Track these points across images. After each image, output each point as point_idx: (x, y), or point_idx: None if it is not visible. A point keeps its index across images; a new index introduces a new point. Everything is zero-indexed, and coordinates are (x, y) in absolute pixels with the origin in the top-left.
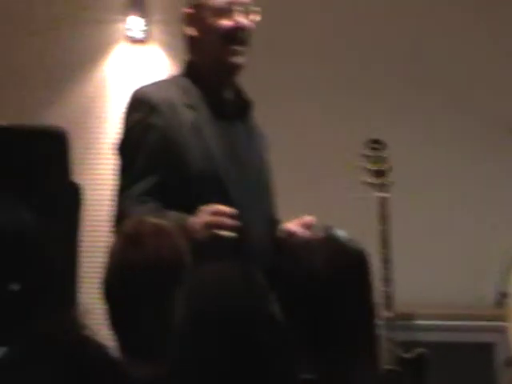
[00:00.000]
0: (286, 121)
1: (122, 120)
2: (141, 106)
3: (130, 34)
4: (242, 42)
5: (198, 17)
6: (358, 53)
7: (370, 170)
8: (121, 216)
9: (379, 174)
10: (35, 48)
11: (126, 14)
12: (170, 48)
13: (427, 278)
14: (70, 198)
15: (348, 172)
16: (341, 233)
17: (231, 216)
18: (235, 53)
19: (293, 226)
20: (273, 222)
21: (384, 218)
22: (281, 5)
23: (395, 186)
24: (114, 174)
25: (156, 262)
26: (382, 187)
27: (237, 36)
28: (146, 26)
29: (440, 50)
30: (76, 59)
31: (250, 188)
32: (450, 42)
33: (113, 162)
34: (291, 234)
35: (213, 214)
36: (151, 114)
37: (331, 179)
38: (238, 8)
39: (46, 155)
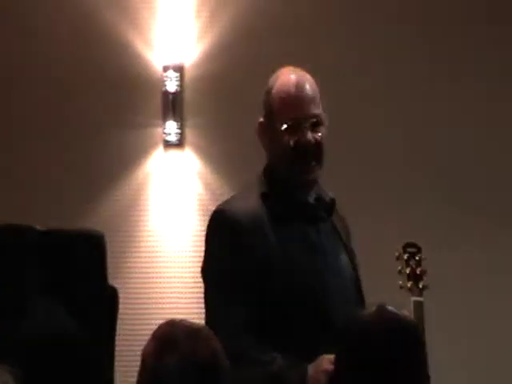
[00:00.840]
0: None
1: (206, 240)
2: (227, 229)
3: (166, 138)
4: (311, 157)
5: (269, 128)
6: (393, 159)
7: (405, 274)
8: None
9: (415, 277)
10: (76, 152)
11: (163, 119)
12: (204, 152)
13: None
14: (106, 302)
15: (385, 276)
16: (393, 308)
17: None
18: (303, 170)
19: None
20: None
21: (420, 321)
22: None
23: (431, 290)
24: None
25: (190, 366)
26: (417, 291)
27: (305, 153)
28: (180, 130)
29: (474, 155)
30: (114, 164)
31: (340, 294)
32: (483, 148)
33: (147, 265)
34: None
35: (333, 363)
36: (239, 237)
37: (368, 283)
38: (306, 124)
39: (84, 259)
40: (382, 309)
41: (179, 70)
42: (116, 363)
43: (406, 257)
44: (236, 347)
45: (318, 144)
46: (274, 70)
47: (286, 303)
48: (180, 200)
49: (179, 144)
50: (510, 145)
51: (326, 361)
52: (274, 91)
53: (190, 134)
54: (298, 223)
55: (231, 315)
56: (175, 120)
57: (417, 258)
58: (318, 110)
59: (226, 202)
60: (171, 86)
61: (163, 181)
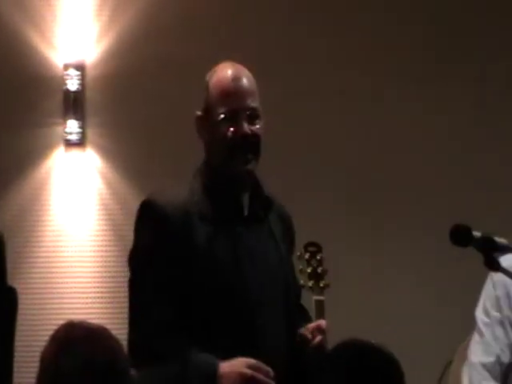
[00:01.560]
0: None
1: (134, 230)
2: (153, 220)
3: (67, 137)
4: (248, 149)
5: (207, 122)
6: (296, 158)
7: (307, 273)
8: (147, 355)
9: (316, 276)
10: None
11: (64, 118)
12: (105, 151)
13: None
14: (5, 303)
15: None
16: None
17: (267, 374)
18: (240, 161)
19: (307, 331)
20: (293, 323)
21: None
22: None
23: (332, 288)
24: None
25: (88, 368)
26: (318, 290)
27: (242, 145)
28: (81, 129)
29: (376, 154)
30: (15, 163)
31: (266, 296)
32: (387, 146)
33: (48, 264)
34: (306, 341)
35: (249, 366)
36: (164, 230)
37: None
38: (243, 116)
39: None
40: (355, 340)
41: (80, 68)
42: (15, 364)
43: (307, 256)
44: (150, 346)
45: (255, 136)
46: (174, 70)
47: (207, 303)
48: (81, 199)
49: (80, 143)
50: (409, 145)
51: (243, 363)
52: (211, 84)
53: (91, 132)
54: (228, 222)
55: (150, 312)
56: (76, 119)
57: (318, 257)
58: (255, 103)
59: (157, 193)
60: (72, 84)
61: (64, 180)
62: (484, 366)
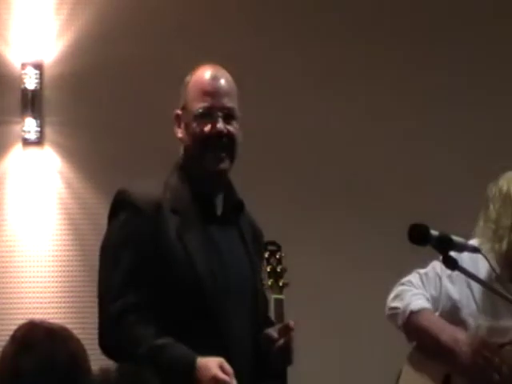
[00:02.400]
0: None
1: (108, 216)
2: (126, 208)
3: (25, 136)
4: (223, 147)
5: (184, 119)
6: (256, 157)
7: (266, 272)
8: (122, 337)
9: (275, 275)
10: None
11: (22, 116)
12: (64, 150)
13: (323, 380)
14: None
15: None
16: None
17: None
18: (215, 160)
19: (273, 331)
20: (258, 326)
21: (280, 318)
22: None
23: (291, 287)
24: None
25: (49, 369)
26: (277, 289)
27: (216, 142)
28: (39, 127)
29: (338, 153)
30: None
31: (233, 293)
32: (348, 143)
33: (5, 264)
34: (271, 341)
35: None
36: (136, 218)
37: None
38: (219, 114)
39: None
40: None
41: (38, 67)
42: None
43: (266, 255)
44: (120, 329)
45: (230, 135)
46: (133, 69)
47: (174, 296)
48: (40, 198)
49: (38, 142)
50: (369, 143)
51: (215, 364)
52: (191, 82)
53: (49, 131)
54: (201, 219)
55: (119, 298)
56: (34, 117)
57: (277, 256)
58: (232, 103)
59: (132, 183)
60: (30, 83)
61: (22, 179)
62: (419, 287)
